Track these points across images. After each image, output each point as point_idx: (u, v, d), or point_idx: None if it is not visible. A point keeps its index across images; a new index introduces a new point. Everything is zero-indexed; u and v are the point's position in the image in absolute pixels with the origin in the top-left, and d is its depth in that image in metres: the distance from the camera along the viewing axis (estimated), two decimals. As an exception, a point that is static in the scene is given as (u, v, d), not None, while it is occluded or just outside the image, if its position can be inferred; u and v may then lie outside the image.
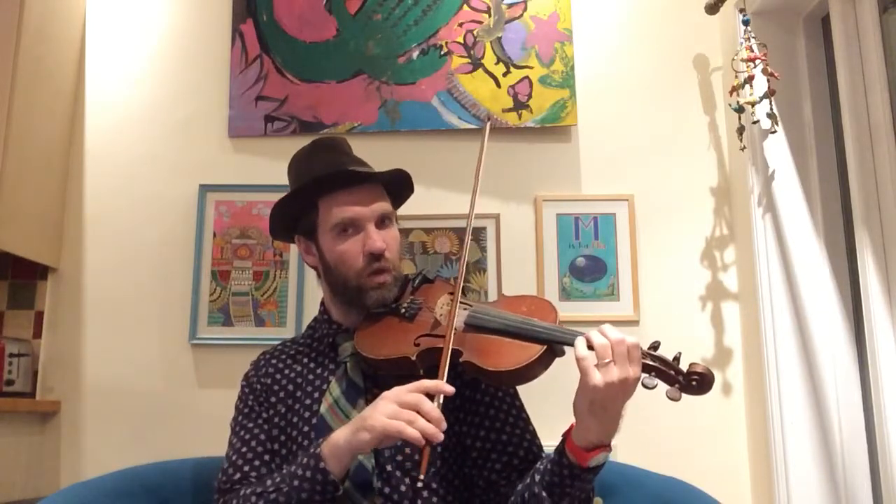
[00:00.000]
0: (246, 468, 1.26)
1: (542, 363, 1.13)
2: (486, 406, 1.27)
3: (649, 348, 1.09)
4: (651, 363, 1.07)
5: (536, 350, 1.13)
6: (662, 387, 1.07)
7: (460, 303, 1.25)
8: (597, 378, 1.02)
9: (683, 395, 1.06)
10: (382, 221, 1.31)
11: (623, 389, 1.03)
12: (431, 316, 1.26)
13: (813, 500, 1.88)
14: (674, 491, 1.45)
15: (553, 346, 1.14)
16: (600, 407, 1.04)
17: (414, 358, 1.19)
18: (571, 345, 1.10)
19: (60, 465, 2.18)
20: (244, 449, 1.28)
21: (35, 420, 2.18)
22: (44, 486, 2.12)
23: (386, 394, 1.09)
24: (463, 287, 2.02)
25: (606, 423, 1.06)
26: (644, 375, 1.06)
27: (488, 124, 1.39)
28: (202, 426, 2.15)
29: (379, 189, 1.33)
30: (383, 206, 1.31)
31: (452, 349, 1.17)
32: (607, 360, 1.03)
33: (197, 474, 1.59)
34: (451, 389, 1.08)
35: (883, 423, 1.61)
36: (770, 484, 1.96)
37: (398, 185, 1.38)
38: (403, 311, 1.29)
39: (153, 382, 2.23)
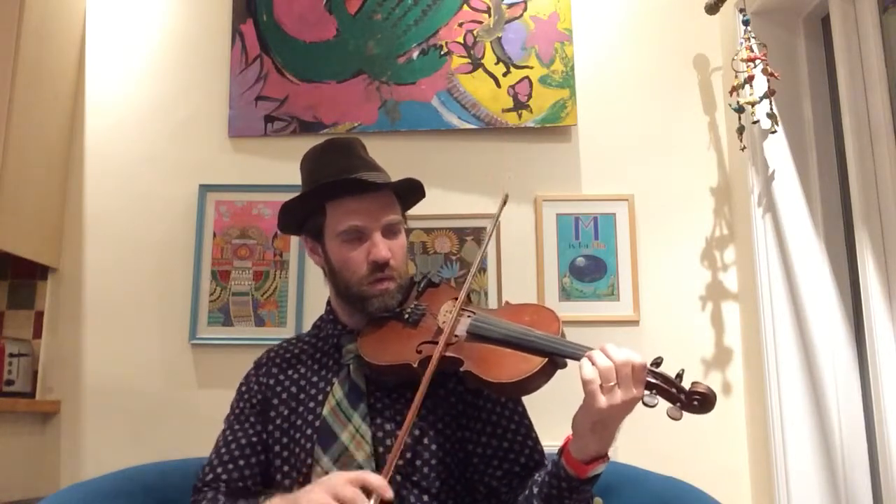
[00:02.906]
0: (219, 469, 1.27)
1: (543, 375, 1.13)
2: (487, 412, 1.27)
3: (652, 364, 1.07)
4: (653, 381, 1.06)
5: (538, 362, 1.12)
6: (663, 405, 1.05)
7: (464, 310, 1.25)
8: (601, 402, 1.02)
9: (685, 413, 1.05)
10: (390, 230, 1.30)
11: (626, 409, 1.03)
12: (435, 322, 1.26)
13: (813, 500, 1.88)
14: (674, 491, 1.45)
15: (554, 359, 1.13)
16: (602, 426, 1.05)
17: (415, 365, 1.19)
18: (573, 358, 1.10)
19: (60, 465, 2.18)
20: (223, 450, 1.29)
21: (35, 420, 2.17)
22: (44, 486, 2.12)
23: (323, 481, 1.06)
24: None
25: (606, 438, 1.06)
26: (645, 393, 1.05)
27: (504, 199, 1.38)
28: (202, 426, 2.12)
29: (389, 197, 1.32)
30: (391, 215, 1.30)
31: (454, 357, 1.17)
32: (612, 383, 1.02)
33: (196, 474, 1.59)
34: (390, 495, 1.04)
35: (883, 423, 1.60)
36: (770, 484, 1.96)
37: (409, 192, 1.37)
38: (407, 316, 1.28)
39: (153, 382, 2.23)
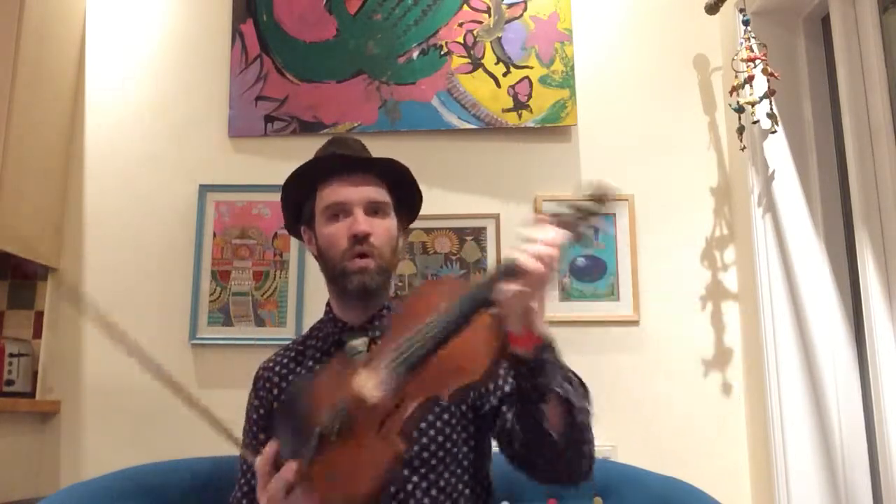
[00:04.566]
0: (244, 502, 1.33)
1: (497, 337, 1.02)
2: (487, 394, 1.27)
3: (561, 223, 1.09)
4: (569, 229, 1.08)
5: (482, 326, 1.01)
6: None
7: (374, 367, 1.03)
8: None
9: (597, 208, 1.09)
10: (373, 208, 1.31)
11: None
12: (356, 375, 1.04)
13: (813, 500, 1.88)
14: (674, 491, 1.46)
15: (480, 311, 1.02)
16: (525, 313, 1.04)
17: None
18: (490, 300, 1.02)
19: (60, 465, 2.18)
20: (242, 481, 1.35)
21: (35, 420, 2.17)
22: (44, 486, 2.12)
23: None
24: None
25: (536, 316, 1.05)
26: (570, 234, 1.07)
27: None
28: (202, 426, 2.12)
29: (375, 179, 1.34)
30: (374, 192, 1.32)
31: (425, 401, 1.01)
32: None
33: (196, 474, 1.60)
34: None
35: (883, 423, 1.61)
36: (770, 484, 1.96)
37: (398, 178, 1.37)
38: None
39: (153, 382, 2.20)
